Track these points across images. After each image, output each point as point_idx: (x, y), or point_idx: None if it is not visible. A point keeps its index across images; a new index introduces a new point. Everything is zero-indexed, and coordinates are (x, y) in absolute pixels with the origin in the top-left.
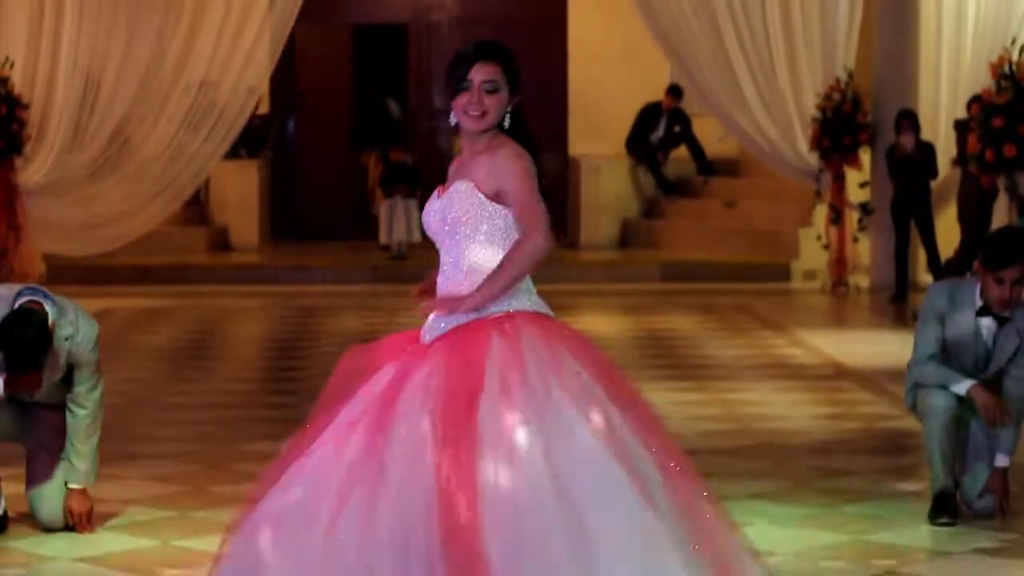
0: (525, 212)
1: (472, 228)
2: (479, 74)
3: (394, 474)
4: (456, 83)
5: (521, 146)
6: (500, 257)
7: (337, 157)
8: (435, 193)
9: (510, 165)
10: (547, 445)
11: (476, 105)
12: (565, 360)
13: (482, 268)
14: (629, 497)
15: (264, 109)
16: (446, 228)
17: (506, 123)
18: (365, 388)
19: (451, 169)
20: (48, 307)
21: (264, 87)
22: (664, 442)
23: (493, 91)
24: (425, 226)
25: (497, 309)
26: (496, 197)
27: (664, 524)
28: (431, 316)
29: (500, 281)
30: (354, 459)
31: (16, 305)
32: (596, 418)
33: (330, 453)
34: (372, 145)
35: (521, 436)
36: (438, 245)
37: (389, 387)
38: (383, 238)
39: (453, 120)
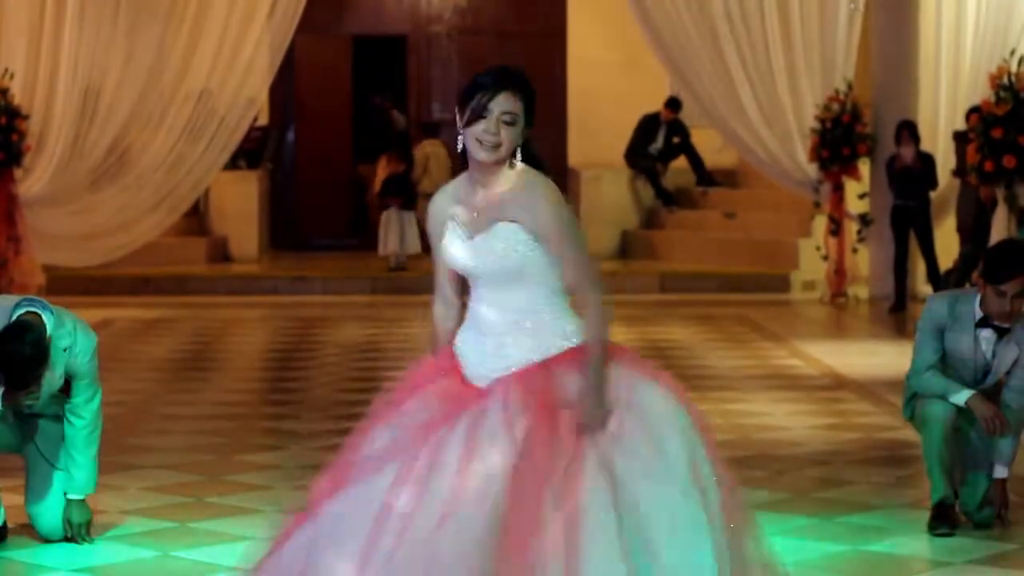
0: (576, 266)
1: (517, 271)
2: (500, 105)
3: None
4: (474, 110)
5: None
6: (542, 298)
7: (337, 167)
8: (460, 231)
9: (552, 212)
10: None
11: (493, 136)
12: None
13: (527, 311)
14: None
15: (264, 120)
16: (488, 269)
17: (517, 156)
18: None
19: (466, 198)
20: (46, 318)
21: (264, 97)
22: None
23: (511, 123)
24: (461, 264)
25: (559, 343)
26: (537, 238)
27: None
28: (471, 344)
29: (601, 364)
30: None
31: (14, 317)
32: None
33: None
34: (377, 155)
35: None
36: (475, 284)
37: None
38: (381, 249)
39: (461, 145)
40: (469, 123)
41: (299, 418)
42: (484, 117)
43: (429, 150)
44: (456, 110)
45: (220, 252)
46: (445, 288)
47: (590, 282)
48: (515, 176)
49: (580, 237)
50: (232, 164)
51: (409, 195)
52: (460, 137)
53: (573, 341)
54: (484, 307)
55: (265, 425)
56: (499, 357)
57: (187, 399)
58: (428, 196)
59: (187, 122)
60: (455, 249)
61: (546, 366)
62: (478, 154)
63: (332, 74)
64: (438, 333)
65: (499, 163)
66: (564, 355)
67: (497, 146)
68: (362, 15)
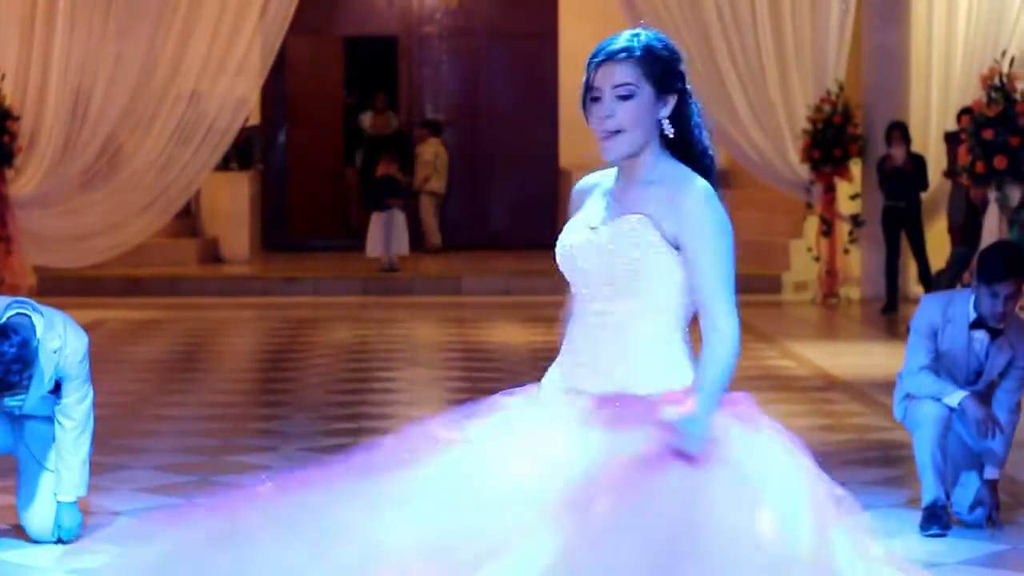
0: (716, 284)
1: (631, 276)
2: (607, 78)
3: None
4: (584, 93)
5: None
6: (652, 316)
7: (327, 168)
8: (577, 216)
9: (702, 211)
10: None
11: (604, 119)
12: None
13: (648, 345)
14: None
15: (255, 120)
16: (595, 267)
17: (668, 132)
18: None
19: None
20: (36, 320)
21: (255, 98)
22: None
23: (627, 97)
24: (566, 261)
25: (665, 378)
26: (672, 241)
27: None
28: (568, 356)
29: (715, 396)
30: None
31: (4, 318)
32: None
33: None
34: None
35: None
36: (579, 291)
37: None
38: (369, 251)
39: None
40: (587, 109)
41: (290, 419)
42: (597, 99)
43: (437, 149)
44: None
45: (211, 253)
46: None
47: (726, 307)
48: (664, 166)
49: (730, 252)
50: (223, 165)
51: (399, 196)
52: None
53: (683, 380)
54: (587, 316)
55: (256, 426)
56: (596, 374)
57: (178, 400)
58: (436, 195)
59: (178, 123)
60: (564, 237)
61: (647, 403)
62: (601, 147)
63: (323, 75)
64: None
65: (635, 153)
66: (670, 397)
67: (617, 132)
68: (353, 16)
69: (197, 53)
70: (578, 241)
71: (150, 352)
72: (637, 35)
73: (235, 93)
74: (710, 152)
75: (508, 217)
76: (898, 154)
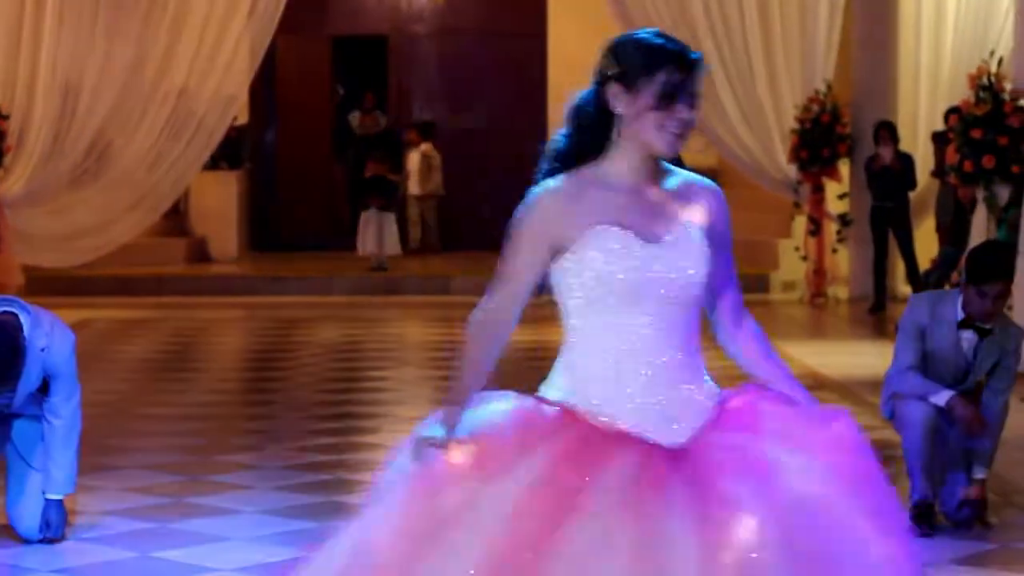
0: (735, 276)
1: (700, 287)
2: (694, 81)
3: None
4: (666, 90)
5: None
6: (696, 326)
7: (316, 168)
8: (627, 234)
9: (727, 211)
10: None
11: (680, 124)
12: None
13: (692, 345)
14: None
15: (244, 120)
16: (676, 283)
17: None
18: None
19: (626, 195)
20: (23, 318)
21: (243, 97)
22: None
23: (696, 108)
24: (634, 277)
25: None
26: (713, 244)
27: None
28: (636, 390)
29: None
30: None
31: None
32: None
33: None
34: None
35: None
36: (635, 318)
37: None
38: (360, 249)
39: (627, 129)
40: (659, 106)
41: (279, 418)
42: (680, 100)
43: (429, 151)
44: (616, 84)
45: (199, 253)
46: (518, 307)
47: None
48: (672, 168)
49: None
50: (212, 164)
51: (389, 196)
52: (627, 122)
53: (713, 384)
54: (650, 339)
55: (245, 426)
56: (685, 405)
57: (166, 400)
58: (432, 197)
59: (167, 121)
60: (628, 259)
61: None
62: (659, 145)
63: (312, 74)
64: (484, 358)
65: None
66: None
67: (683, 136)
68: (342, 15)
69: (186, 51)
70: (645, 258)
71: (138, 351)
72: None
73: (224, 91)
74: None
75: (497, 217)
76: (886, 153)
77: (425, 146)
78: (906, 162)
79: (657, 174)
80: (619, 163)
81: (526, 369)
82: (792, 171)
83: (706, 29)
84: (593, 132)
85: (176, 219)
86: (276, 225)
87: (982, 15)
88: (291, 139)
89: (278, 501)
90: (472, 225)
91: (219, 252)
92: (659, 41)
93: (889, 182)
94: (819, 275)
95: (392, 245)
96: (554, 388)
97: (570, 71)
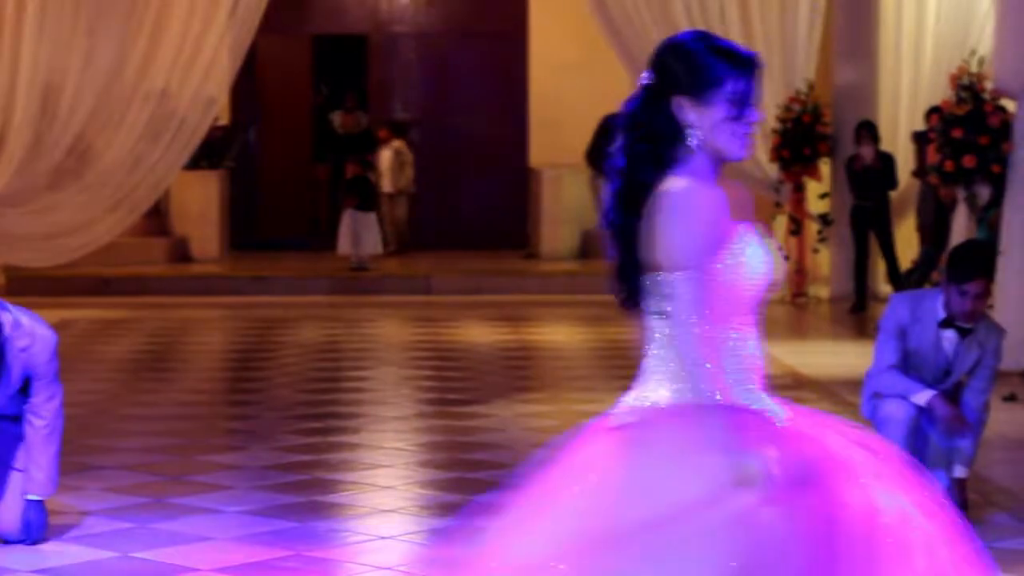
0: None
1: None
2: (757, 85)
3: None
4: (742, 96)
5: None
6: None
7: (297, 167)
8: (754, 234)
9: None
10: None
11: (752, 127)
12: None
13: None
14: None
15: (225, 120)
16: (765, 287)
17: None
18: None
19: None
20: (4, 318)
21: (224, 97)
22: None
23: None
24: (764, 281)
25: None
26: None
27: None
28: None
29: None
30: None
31: None
32: None
33: None
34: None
35: None
36: (748, 308)
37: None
38: (340, 249)
39: (699, 138)
40: (732, 115)
41: (260, 418)
42: (749, 104)
43: (401, 148)
44: (683, 96)
45: (180, 252)
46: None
47: None
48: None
49: None
50: (193, 164)
51: (367, 196)
52: (699, 131)
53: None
54: (751, 339)
55: (225, 425)
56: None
57: (147, 400)
58: (403, 194)
59: (148, 121)
60: (764, 261)
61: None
62: (735, 150)
63: (293, 74)
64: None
65: None
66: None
67: (753, 137)
68: (323, 15)
69: (167, 52)
70: (768, 262)
71: (120, 351)
72: None
73: (205, 93)
74: None
75: (478, 216)
76: (867, 153)
77: (397, 143)
78: (887, 162)
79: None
80: (701, 169)
81: (502, 368)
82: (773, 171)
83: (686, 25)
84: (666, 142)
85: (157, 219)
86: (258, 225)
87: (963, 15)
88: (272, 139)
89: (260, 501)
90: (450, 225)
91: (200, 252)
92: (720, 50)
93: (870, 182)
94: (800, 275)
95: (371, 245)
96: (670, 391)
97: (551, 71)
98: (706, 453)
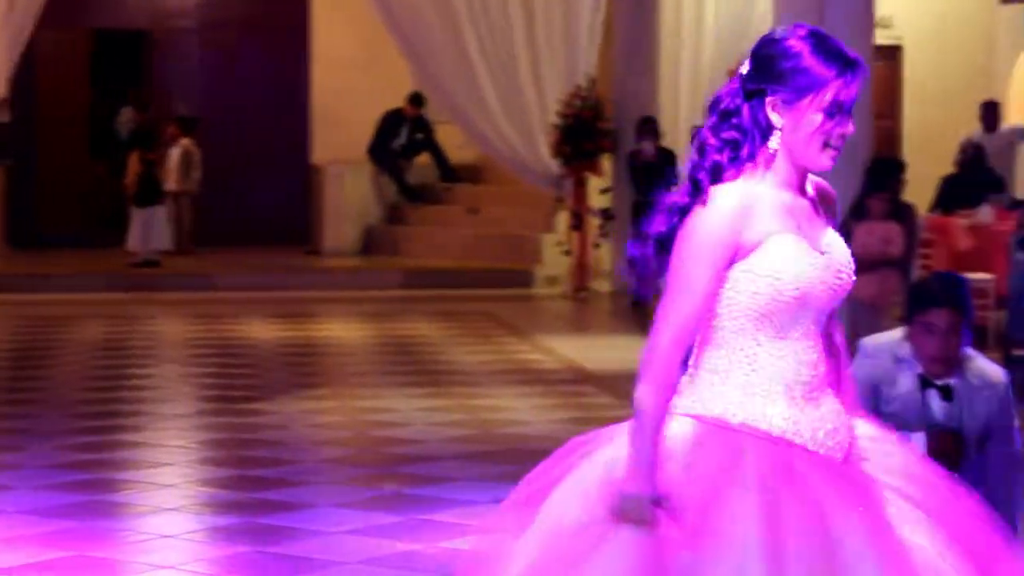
0: None
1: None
2: (858, 93)
3: None
4: (831, 107)
5: None
6: None
7: (78, 164)
8: (798, 242)
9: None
10: None
11: (843, 139)
12: None
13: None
14: None
15: (4, 116)
16: (833, 297)
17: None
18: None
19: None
20: None
21: (2, 93)
22: None
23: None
24: (821, 288)
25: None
26: None
27: None
28: (821, 405)
29: None
30: None
31: None
32: None
33: None
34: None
35: None
36: (807, 330)
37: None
38: (130, 245)
39: (784, 142)
40: (827, 123)
41: (40, 417)
42: (846, 113)
43: (190, 146)
44: (777, 97)
45: None
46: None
47: None
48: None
49: None
50: None
51: (153, 192)
52: (788, 135)
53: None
54: (812, 349)
55: (4, 425)
56: (837, 416)
57: None
58: (187, 194)
59: None
60: (804, 268)
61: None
62: (822, 161)
63: (72, 69)
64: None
65: None
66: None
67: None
68: (103, 9)
69: None
70: (816, 267)
71: None
72: None
73: None
74: None
75: (262, 213)
76: (648, 148)
77: (185, 141)
78: (668, 157)
79: (804, 181)
80: (779, 172)
81: (285, 365)
82: (555, 166)
83: (468, 21)
84: (750, 140)
85: None
86: (37, 222)
87: (742, 10)
88: (50, 135)
89: (40, 500)
90: (235, 222)
91: None
92: (828, 51)
93: (651, 177)
94: (582, 269)
95: (160, 240)
96: (707, 403)
97: (333, 66)
98: (595, 481)
